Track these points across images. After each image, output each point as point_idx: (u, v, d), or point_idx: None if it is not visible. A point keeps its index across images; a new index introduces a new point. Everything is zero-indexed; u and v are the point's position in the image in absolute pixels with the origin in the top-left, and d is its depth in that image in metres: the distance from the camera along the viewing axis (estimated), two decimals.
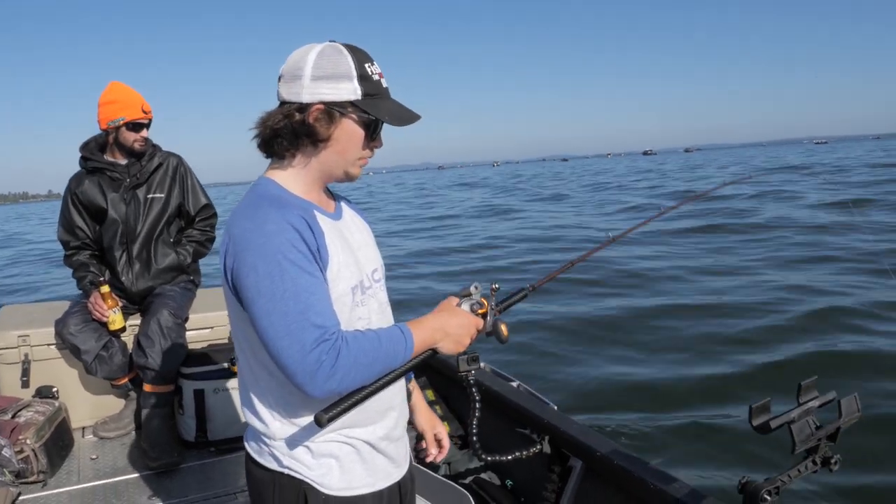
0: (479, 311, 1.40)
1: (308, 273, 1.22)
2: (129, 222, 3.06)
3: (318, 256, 1.27)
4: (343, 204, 1.50)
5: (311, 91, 1.28)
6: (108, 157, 3.08)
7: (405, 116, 1.33)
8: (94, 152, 3.08)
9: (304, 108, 1.29)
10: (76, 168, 3.16)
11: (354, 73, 1.29)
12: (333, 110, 1.29)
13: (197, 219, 3.25)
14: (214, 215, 3.31)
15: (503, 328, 1.42)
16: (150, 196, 3.09)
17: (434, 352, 1.34)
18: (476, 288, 1.42)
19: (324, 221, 1.33)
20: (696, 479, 2.14)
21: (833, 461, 1.51)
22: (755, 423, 1.44)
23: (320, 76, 1.28)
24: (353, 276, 1.35)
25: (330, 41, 1.32)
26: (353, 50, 1.31)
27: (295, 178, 1.35)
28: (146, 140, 3.06)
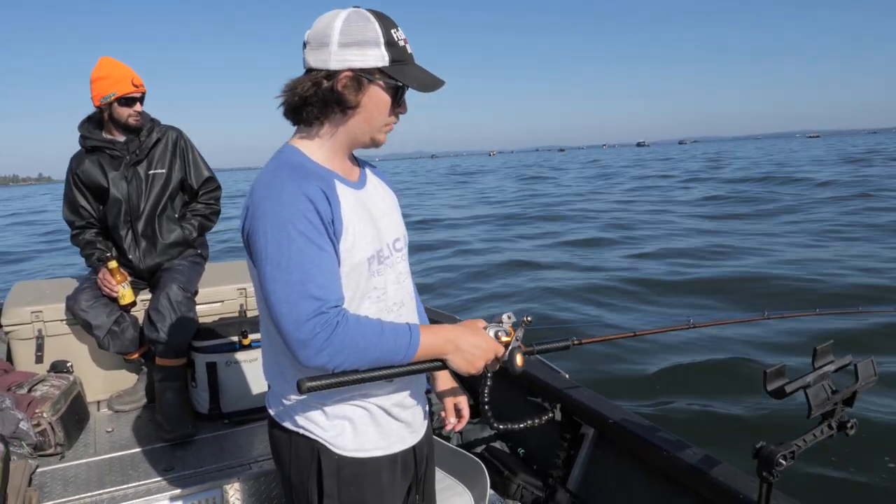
0: (503, 339, 1.37)
1: (316, 245, 1.22)
2: (132, 200, 3.04)
3: (332, 228, 1.27)
4: (368, 171, 1.49)
5: (339, 58, 1.28)
6: (106, 135, 3.05)
7: (430, 82, 1.33)
8: (91, 131, 3.06)
9: (332, 75, 1.29)
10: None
11: (382, 40, 1.28)
12: (362, 77, 1.29)
13: (200, 192, 3.23)
14: (218, 188, 3.29)
15: (518, 358, 1.37)
16: (151, 172, 3.07)
17: (443, 364, 1.32)
18: (509, 317, 1.40)
19: (343, 191, 1.33)
20: (709, 447, 2.13)
21: (849, 425, 1.50)
22: (770, 387, 1.43)
23: (347, 42, 1.27)
24: (371, 245, 1.35)
25: (354, 7, 1.31)
26: (378, 16, 1.30)
27: (320, 146, 1.36)
28: (141, 114, 3.02)
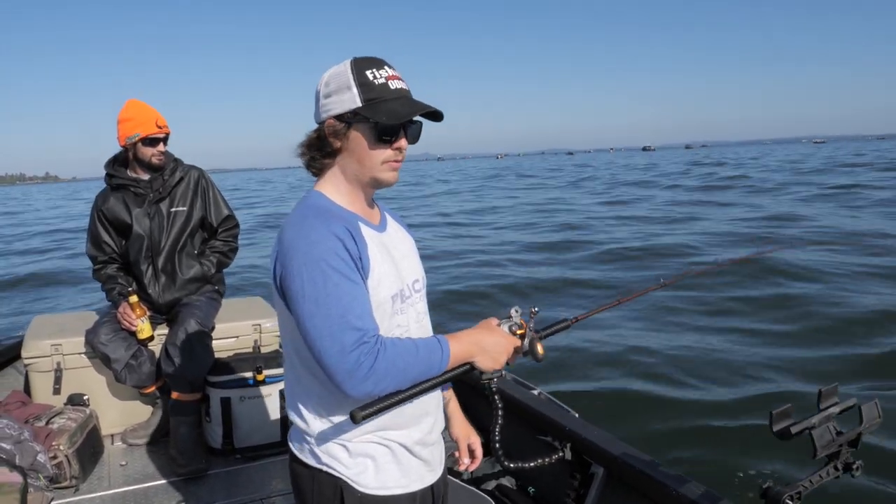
0: (518, 332, 1.45)
1: (349, 280, 1.29)
2: (154, 236, 3.14)
3: (360, 265, 1.33)
4: (388, 216, 1.57)
5: (324, 109, 1.38)
6: (130, 174, 3.17)
7: (403, 112, 1.35)
8: (117, 169, 3.18)
9: (321, 125, 1.40)
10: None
11: (353, 83, 1.35)
12: (342, 121, 1.37)
13: (220, 230, 3.33)
14: (237, 226, 3.39)
15: (539, 347, 1.45)
16: (173, 210, 3.18)
17: (471, 367, 1.38)
18: (516, 311, 1.47)
19: (367, 233, 1.40)
20: (717, 485, 2.15)
21: (855, 466, 1.52)
22: (776, 428, 1.46)
23: (328, 93, 1.38)
24: (394, 284, 1.41)
25: (353, 59, 1.39)
26: (358, 61, 1.37)
27: (337, 191, 1.43)
28: (164, 154, 3.14)
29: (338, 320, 1.24)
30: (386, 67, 1.38)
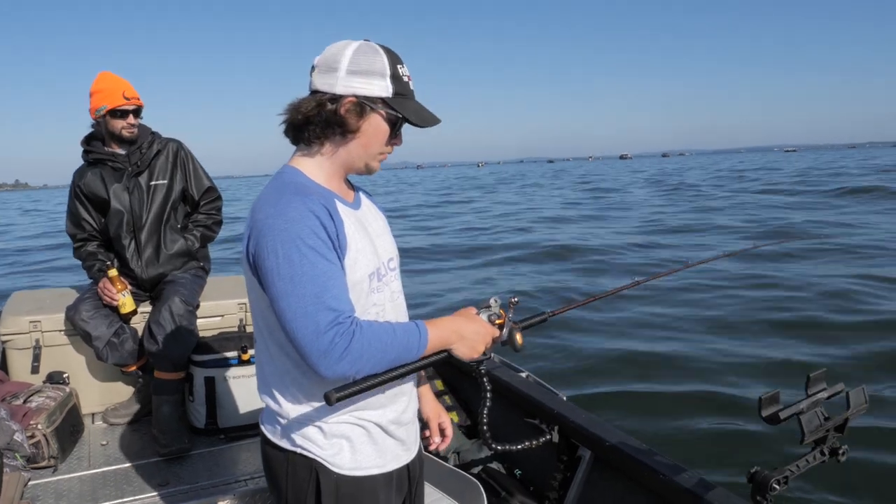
0: (497, 322, 1.45)
1: (326, 259, 1.26)
2: (135, 210, 3.08)
3: (337, 243, 1.31)
4: (361, 194, 1.55)
5: (346, 84, 1.33)
6: (107, 148, 3.09)
7: (427, 118, 1.40)
8: (93, 145, 3.11)
9: (336, 98, 1.34)
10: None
11: (388, 72, 1.35)
12: (364, 104, 1.34)
13: (202, 203, 3.27)
14: (219, 198, 3.33)
15: (518, 336, 1.46)
16: (153, 183, 3.11)
17: (449, 354, 1.37)
18: (495, 301, 1.47)
19: (344, 210, 1.38)
20: (707, 471, 2.17)
21: (841, 452, 1.53)
22: (764, 413, 1.46)
23: (356, 71, 1.33)
24: (371, 263, 1.39)
25: (365, 40, 1.38)
26: (387, 51, 1.37)
27: (318, 168, 1.40)
28: (135, 126, 3.05)
29: (313, 300, 1.22)
30: (404, 65, 1.39)
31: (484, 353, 1.42)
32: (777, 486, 1.43)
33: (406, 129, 1.44)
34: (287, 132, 1.41)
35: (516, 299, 1.49)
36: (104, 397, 3.28)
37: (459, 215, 24.74)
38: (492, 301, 1.47)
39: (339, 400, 1.22)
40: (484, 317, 1.44)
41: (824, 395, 1.54)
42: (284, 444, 1.42)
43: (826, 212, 19.00)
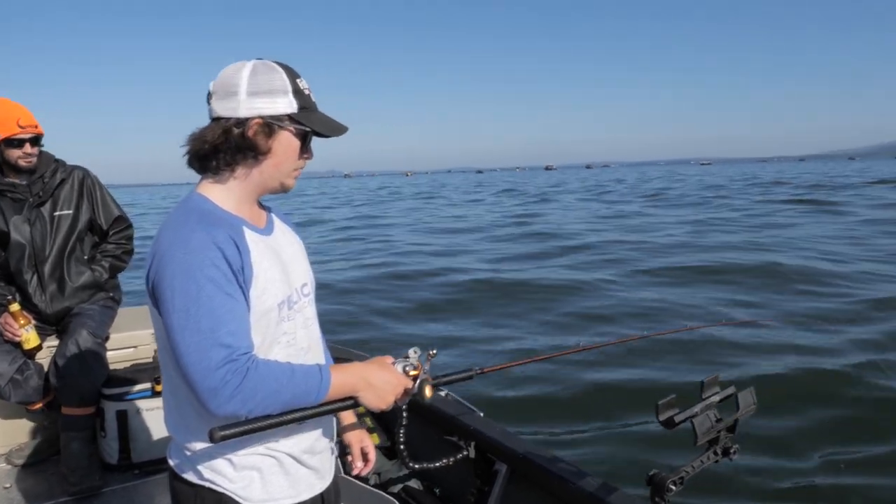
0: (411, 373, 1.40)
1: (225, 293, 1.23)
2: (37, 243, 2.92)
3: (242, 275, 1.28)
4: (275, 217, 1.51)
5: (249, 106, 1.31)
6: (5, 178, 2.91)
7: (336, 127, 1.40)
8: None
9: (242, 122, 1.32)
10: None
11: (289, 88, 1.34)
12: (272, 123, 1.33)
13: (111, 232, 3.15)
14: (129, 227, 3.21)
15: (427, 390, 1.41)
16: (56, 213, 2.97)
17: (355, 402, 1.33)
18: (415, 352, 1.43)
19: (252, 238, 1.35)
20: (612, 478, 2.26)
21: (732, 451, 1.63)
22: (661, 418, 1.55)
23: (256, 91, 1.32)
24: (281, 291, 1.36)
25: (258, 59, 1.36)
26: (284, 67, 1.36)
27: (228, 194, 1.37)
28: (32, 156, 2.89)
29: (207, 335, 1.19)
30: (302, 78, 1.39)
31: (395, 404, 1.37)
32: (673, 487, 1.51)
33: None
34: (191, 163, 1.37)
35: (434, 351, 1.43)
36: (7, 438, 3.10)
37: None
38: (410, 352, 1.42)
39: (223, 439, 1.18)
40: (399, 367, 1.39)
41: (717, 398, 1.64)
42: (192, 477, 1.37)
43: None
